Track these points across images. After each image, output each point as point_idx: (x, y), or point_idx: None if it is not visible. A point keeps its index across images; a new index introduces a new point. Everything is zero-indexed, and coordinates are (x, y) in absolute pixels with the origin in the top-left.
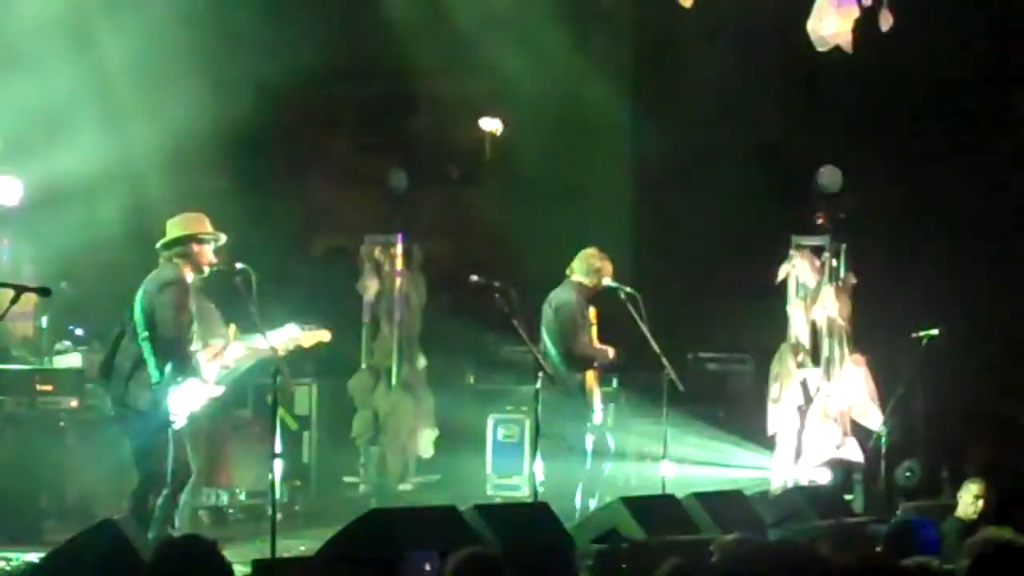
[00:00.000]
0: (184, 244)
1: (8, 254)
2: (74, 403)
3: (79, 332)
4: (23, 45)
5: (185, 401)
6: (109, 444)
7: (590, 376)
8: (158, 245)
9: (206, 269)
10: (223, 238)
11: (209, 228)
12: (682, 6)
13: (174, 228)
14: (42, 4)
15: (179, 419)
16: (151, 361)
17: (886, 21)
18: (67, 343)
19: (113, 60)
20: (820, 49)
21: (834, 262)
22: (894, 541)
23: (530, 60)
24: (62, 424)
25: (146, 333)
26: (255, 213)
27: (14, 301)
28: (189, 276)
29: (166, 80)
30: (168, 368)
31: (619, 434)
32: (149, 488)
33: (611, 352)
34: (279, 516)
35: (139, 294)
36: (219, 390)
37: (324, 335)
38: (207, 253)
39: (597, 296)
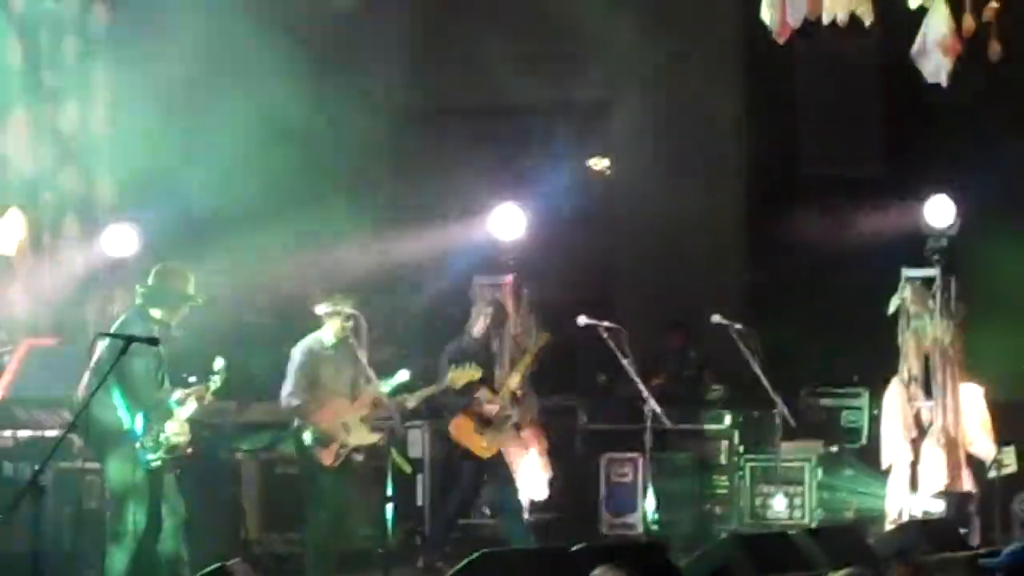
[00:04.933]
0: (166, 296)
1: (120, 304)
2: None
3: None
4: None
5: (161, 444)
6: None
7: None
8: (137, 288)
9: (174, 324)
10: (201, 302)
11: (192, 289)
12: (784, 43)
13: (163, 278)
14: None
15: (155, 462)
16: (123, 410)
17: (995, 52)
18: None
19: (228, 109)
20: (929, 80)
21: (944, 293)
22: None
23: (639, 96)
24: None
25: (115, 380)
26: (369, 257)
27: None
28: (154, 328)
29: (275, 129)
30: (140, 416)
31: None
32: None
33: None
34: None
35: (106, 343)
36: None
37: (475, 374)
38: (183, 310)
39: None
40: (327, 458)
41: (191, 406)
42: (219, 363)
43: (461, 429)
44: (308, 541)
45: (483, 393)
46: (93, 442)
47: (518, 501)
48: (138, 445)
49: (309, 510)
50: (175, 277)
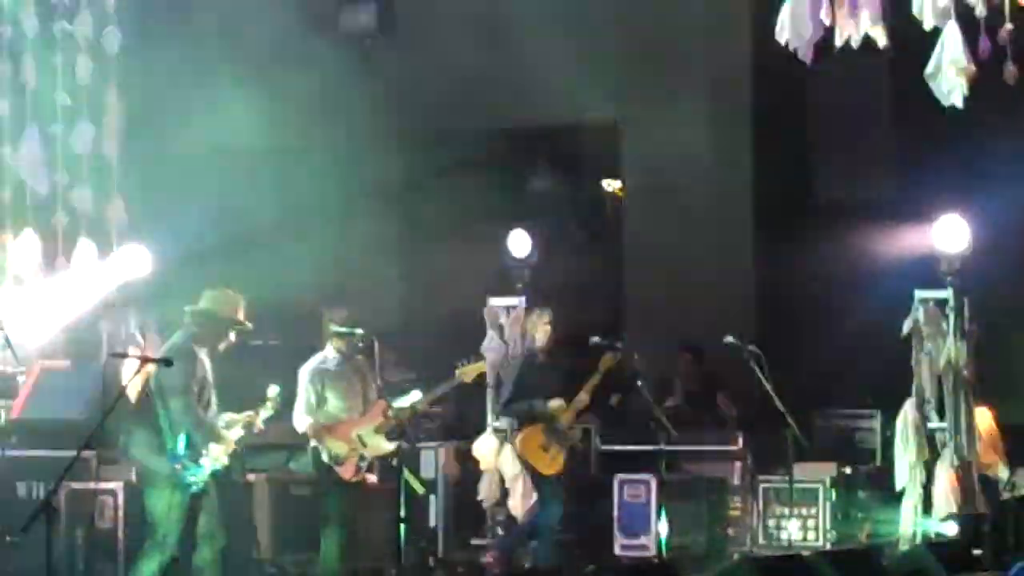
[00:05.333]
0: (214, 319)
1: (133, 325)
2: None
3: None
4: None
5: (202, 467)
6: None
7: None
8: (188, 309)
9: (220, 348)
10: (250, 327)
11: (242, 315)
12: (797, 63)
13: (212, 301)
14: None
15: (196, 485)
16: (165, 430)
17: (1011, 76)
18: None
19: (241, 128)
20: (944, 103)
21: (958, 315)
22: None
23: (650, 120)
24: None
25: (159, 401)
26: (379, 278)
27: (138, 372)
28: (200, 350)
29: (290, 149)
30: (182, 437)
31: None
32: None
33: None
34: None
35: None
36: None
37: (483, 366)
38: (230, 335)
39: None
40: (346, 473)
41: (238, 432)
42: (273, 390)
43: (527, 444)
44: (322, 561)
45: (558, 404)
46: (130, 458)
47: (558, 523)
48: (178, 466)
49: (324, 529)
50: (224, 302)
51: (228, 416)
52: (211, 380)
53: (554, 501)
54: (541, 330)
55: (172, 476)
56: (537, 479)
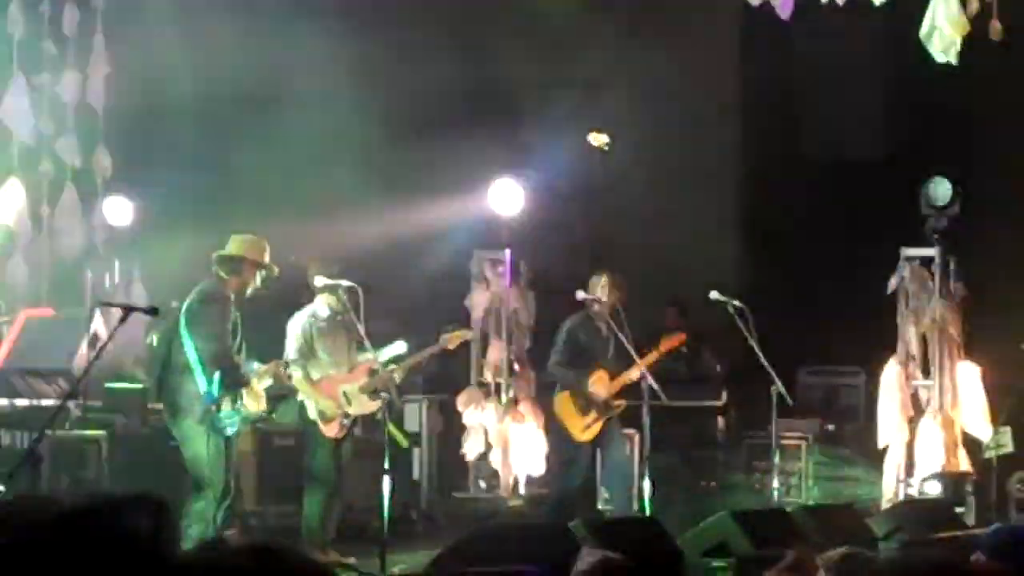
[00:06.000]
0: (241, 263)
1: (118, 274)
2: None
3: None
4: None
5: (238, 411)
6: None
7: None
8: (215, 255)
9: (248, 292)
10: (276, 271)
11: (268, 258)
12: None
13: (239, 246)
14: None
15: (231, 428)
16: (199, 372)
17: (996, 32)
18: None
19: (227, 77)
20: (939, 60)
21: (943, 273)
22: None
23: (639, 75)
24: (173, 443)
25: (192, 344)
26: (367, 228)
27: (123, 320)
28: (230, 293)
29: (274, 98)
30: (216, 378)
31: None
32: (204, 496)
33: None
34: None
35: (184, 306)
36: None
37: (467, 333)
38: (256, 280)
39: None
40: (331, 430)
41: (268, 380)
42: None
43: (564, 406)
44: (305, 514)
45: (600, 376)
46: (167, 407)
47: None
48: (213, 407)
49: (308, 487)
50: (250, 246)
51: (257, 365)
52: (240, 326)
53: (580, 465)
54: (602, 292)
55: (207, 419)
56: (569, 442)
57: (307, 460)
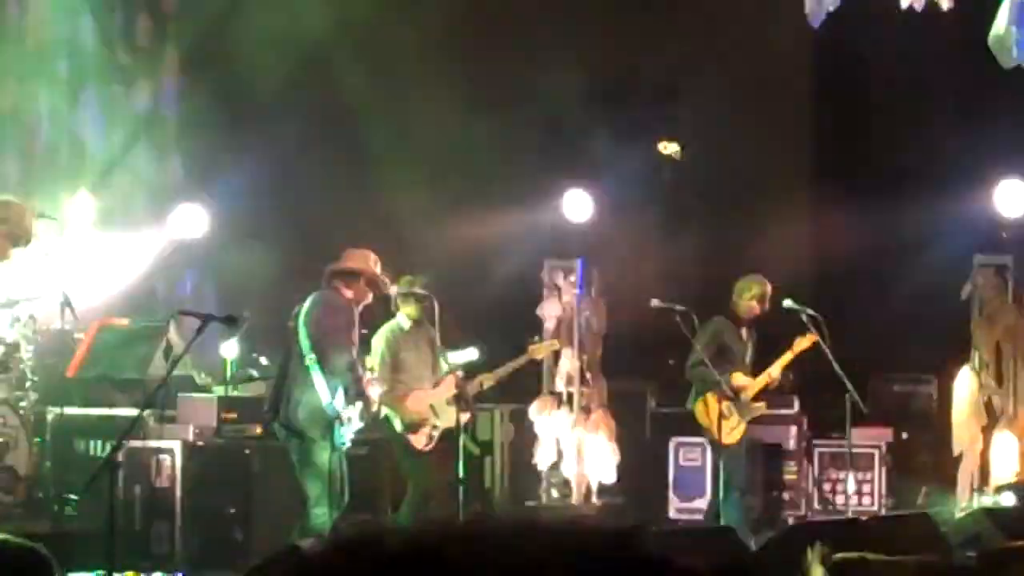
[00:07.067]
0: (359, 278)
1: (189, 285)
2: (258, 430)
3: (264, 360)
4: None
5: (355, 423)
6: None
7: None
8: (332, 268)
9: (360, 306)
10: (392, 290)
11: (379, 269)
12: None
13: (356, 259)
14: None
15: (349, 440)
16: (320, 384)
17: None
18: (252, 371)
19: (298, 88)
20: (1005, 66)
21: (1018, 280)
22: None
23: (706, 83)
24: (247, 452)
25: (313, 356)
26: (440, 240)
27: (200, 330)
28: (352, 305)
29: (346, 110)
30: (339, 391)
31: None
32: (322, 510)
33: None
34: None
35: (303, 319)
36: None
37: (554, 344)
38: (369, 294)
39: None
40: (419, 442)
41: (377, 390)
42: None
43: (706, 411)
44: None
45: (741, 377)
46: (294, 424)
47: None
48: (336, 421)
49: (406, 498)
50: (367, 261)
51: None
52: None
53: (734, 468)
54: (751, 298)
55: (329, 431)
56: (715, 447)
57: (398, 472)
